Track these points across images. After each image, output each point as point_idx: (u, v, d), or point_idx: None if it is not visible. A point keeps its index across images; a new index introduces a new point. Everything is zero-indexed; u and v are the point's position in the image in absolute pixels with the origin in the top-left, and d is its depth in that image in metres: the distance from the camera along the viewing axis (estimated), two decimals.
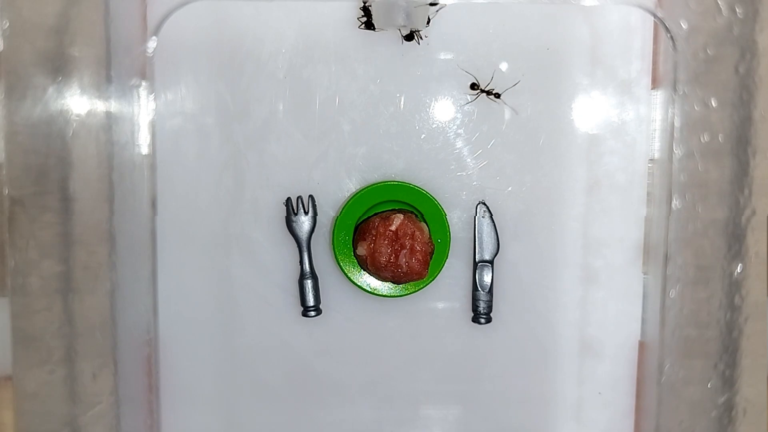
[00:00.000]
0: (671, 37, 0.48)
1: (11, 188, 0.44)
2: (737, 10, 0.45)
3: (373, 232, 0.50)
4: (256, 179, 0.52)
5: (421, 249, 0.50)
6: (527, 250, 0.53)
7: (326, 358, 0.54)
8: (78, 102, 0.46)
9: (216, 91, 0.51)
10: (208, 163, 0.52)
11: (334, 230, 0.51)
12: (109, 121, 0.47)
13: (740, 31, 0.46)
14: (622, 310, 0.54)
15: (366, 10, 0.47)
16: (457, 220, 0.53)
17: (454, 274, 0.53)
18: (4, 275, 0.45)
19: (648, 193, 0.53)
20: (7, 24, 0.43)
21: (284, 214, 0.52)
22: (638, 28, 0.51)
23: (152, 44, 0.50)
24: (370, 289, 0.52)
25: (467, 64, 0.51)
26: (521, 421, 0.54)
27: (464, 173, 0.52)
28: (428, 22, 0.49)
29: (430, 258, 0.51)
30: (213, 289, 0.53)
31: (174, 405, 0.54)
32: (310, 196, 0.52)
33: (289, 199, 0.52)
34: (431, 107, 0.52)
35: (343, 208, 0.51)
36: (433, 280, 0.52)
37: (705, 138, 0.47)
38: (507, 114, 0.51)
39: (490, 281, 0.52)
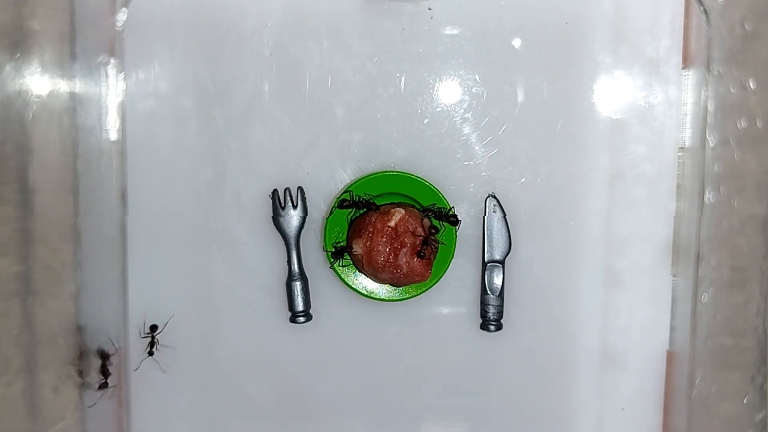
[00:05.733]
0: (704, 11, 0.48)
1: None
2: None
3: (370, 228, 0.49)
4: (239, 169, 0.52)
5: None
6: (542, 249, 0.52)
7: (317, 369, 0.53)
8: (39, 81, 0.45)
9: (194, 70, 0.51)
10: (185, 150, 0.52)
11: (326, 226, 0.51)
12: (74, 102, 0.47)
13: None
14: (648, 316, 0.53)
15: None
16: (464, 215, 0.52)
17: (460, 276, 0.52)
18: None
19: (678, 186, 0.52)
20: None
21: (270, 208, 0.51)
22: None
23: (122, 17, 0.50)
24: (366, 292, 0.51)
25: (475, 40, 0.51)
26: None
27: (472, 163, 0.52)
28: None
29: (434, 258, 0.50)
30: (190, 292, 0.53)
31: (146, 422, 0.53)
32: (299, 188, 0.51)
33: (275, 192, 0.51)
34: (435, 88, 0.51)
35: (336, 202, 0.51)
36: (436, 282, 0.51)
37: (742, 124, 0.46)
38: (520, 96, 0.51)
39: (500, 284, 0.52)
